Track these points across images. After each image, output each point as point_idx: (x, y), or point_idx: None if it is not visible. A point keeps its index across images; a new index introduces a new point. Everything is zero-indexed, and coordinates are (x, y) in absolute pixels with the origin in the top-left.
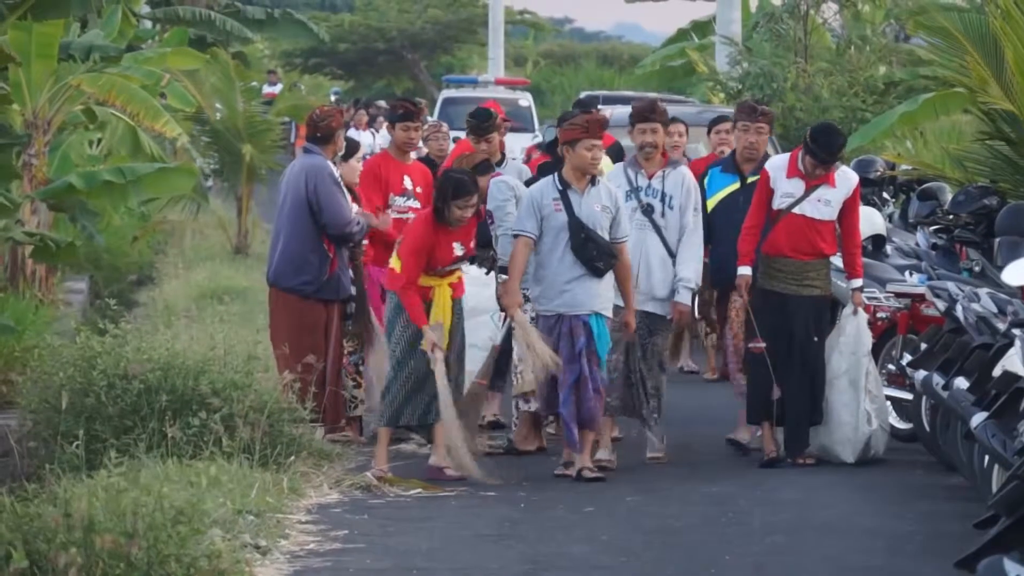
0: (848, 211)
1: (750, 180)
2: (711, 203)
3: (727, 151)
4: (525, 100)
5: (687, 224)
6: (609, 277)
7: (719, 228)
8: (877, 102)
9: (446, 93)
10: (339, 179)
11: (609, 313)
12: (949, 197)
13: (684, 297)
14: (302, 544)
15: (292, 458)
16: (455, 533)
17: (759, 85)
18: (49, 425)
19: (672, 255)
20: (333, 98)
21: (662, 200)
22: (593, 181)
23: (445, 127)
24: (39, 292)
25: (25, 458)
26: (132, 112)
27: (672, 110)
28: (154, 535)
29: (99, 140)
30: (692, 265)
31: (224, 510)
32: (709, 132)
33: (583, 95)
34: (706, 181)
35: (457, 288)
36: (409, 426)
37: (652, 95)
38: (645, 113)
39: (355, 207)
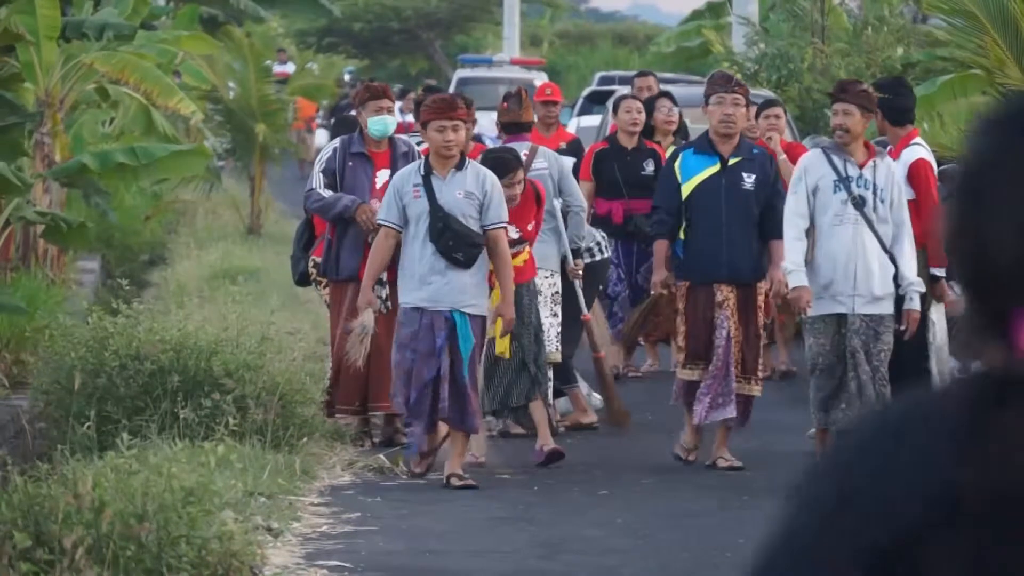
0: (914, 190)
1: (732, 162)
2: (686, 189)
3: (776, 137)
4: (540, 80)
5: (902, 220)
6: (480, 271)
7: (697, 217)
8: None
9: (461, 73)
10: (321, 157)
11: (478, 311)
12: None
13: (916, 303)
14: (314, 526)
15: (304, 440)
16: (468, 515)
17: (776, 66)
18: (61, 406)
19: (886, 251)
20: (347, 77)
21: (874, 193)
22: (460, 165)
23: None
24: (51, 272)
25: (37, 439)
26: (146, 90)
27: (688, 91)
28: (164, 516)
29: (112, 119)
30: (915, 265)
31: (236, 492)
32: (757, 116)
33: (598, 75)
34: (678, 165)
35: (525, 271)
36: (495, 412)
37: (669, 75)
38: (837, 92)
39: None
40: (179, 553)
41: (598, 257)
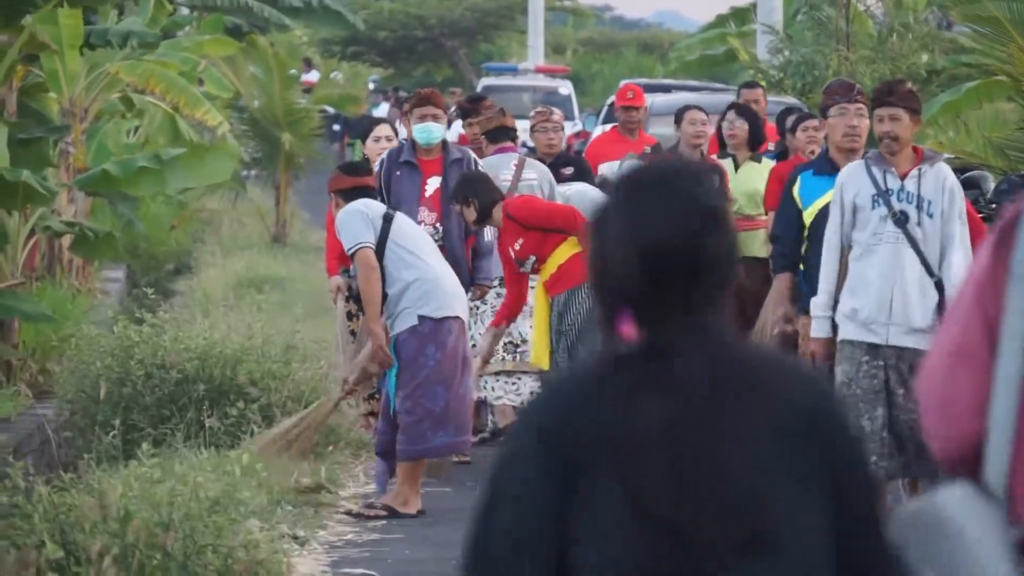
0: None
1: None
2: (808, 216)
3: (817, 151)
4: (565, 88)
5: (952, 234)
6: (389, 297)
7: (819, 246)
8: (919, 90)
9: (485, 81)
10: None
11: (395, 330)
12: (991, 186)
13: None
14: (340, 535)
15: (330, 448)
16: None
17: (800, 73)
18: (86, 415)
19: (932, 274)
20: (371, 86)
21: (918, 206)
22: None
23: (557, 115)
24: (76, 281)
25: (62, 448)
26: (172, 100)
27: (713, 99)
28: (190, 525)
29: (136, 128)
30: None
31: (261, 500)
32: (794, 130)
33: (623, 83)
34: (797, 190)
35: (550, 287)
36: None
37: (693, 83)
38: (882, 96)
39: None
40: (205, 562)
41: None
